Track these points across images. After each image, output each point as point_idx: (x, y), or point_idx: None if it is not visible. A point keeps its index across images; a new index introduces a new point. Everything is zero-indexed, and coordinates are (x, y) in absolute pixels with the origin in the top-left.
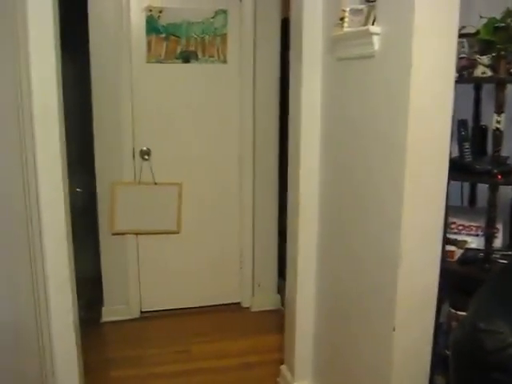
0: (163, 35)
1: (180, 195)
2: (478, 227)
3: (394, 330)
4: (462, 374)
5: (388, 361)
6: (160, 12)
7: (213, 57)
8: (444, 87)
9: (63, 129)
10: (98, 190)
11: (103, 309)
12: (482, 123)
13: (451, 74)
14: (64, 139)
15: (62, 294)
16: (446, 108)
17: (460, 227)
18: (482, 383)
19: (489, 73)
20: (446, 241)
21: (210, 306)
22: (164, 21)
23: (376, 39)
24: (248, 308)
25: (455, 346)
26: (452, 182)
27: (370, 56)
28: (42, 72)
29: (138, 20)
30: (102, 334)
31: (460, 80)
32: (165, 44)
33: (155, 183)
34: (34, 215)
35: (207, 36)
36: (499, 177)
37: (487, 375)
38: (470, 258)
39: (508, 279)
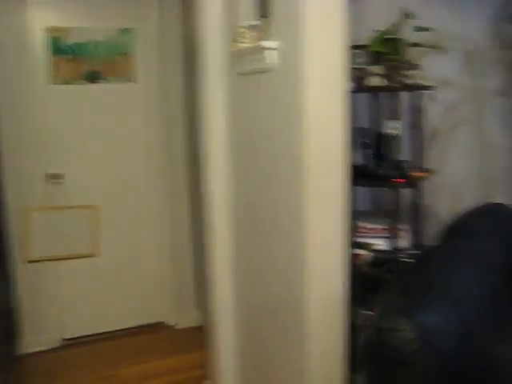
0: (69, 56)
1: (96, 218)
2: (385, 229)
3: (305, 337)
4: (372, 371)
5: (302, 368)
6: (65, 32)
7: (119, 76)
8: (337, 97)
9: None
10: (10, 216)
11: (22, 340)
12: (383, 130)
13: (344, 85)
14: None
15: None
16: (340, 117)
17: (370, 231)
18: (390, 379)
19: (382, 82)
20: (356, 245)
21: (135, 328)
22: (69, 41)
23: (268, 54)
24: (173, 326)
25: (364, 346)
26: (359, 187)
27: (266, 70)
28: None
29: (41, 41)
30: (23, 367)
31: (356, 90)
32: (70, 65)
33: (70, 207)
34: None
35: (113, 55)
36: (397, 180)
37: (393, 371)
38: (379, 259)
39: (407, 277)
